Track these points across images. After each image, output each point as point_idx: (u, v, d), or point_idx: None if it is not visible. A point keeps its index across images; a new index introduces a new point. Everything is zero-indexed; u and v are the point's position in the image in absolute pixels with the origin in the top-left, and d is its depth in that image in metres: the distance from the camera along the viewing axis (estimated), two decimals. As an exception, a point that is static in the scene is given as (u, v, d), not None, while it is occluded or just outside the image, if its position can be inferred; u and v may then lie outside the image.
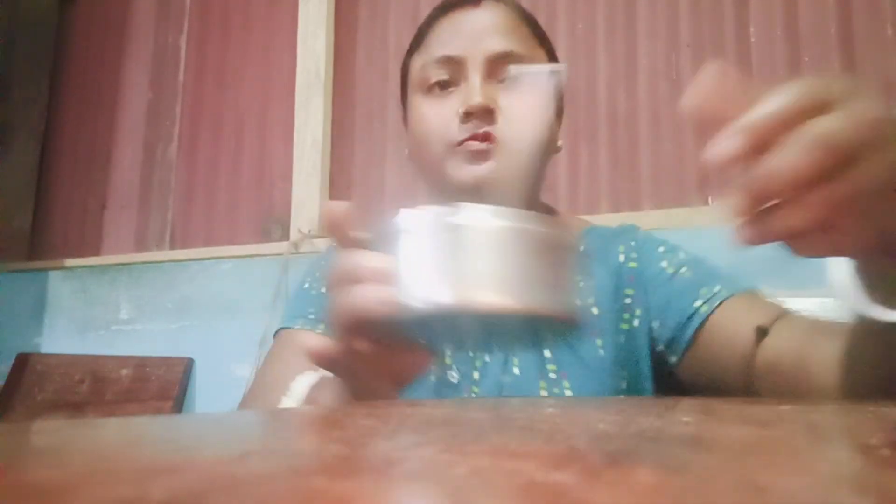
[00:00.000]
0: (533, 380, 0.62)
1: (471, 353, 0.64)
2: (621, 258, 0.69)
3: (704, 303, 0.60)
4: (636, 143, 1.42)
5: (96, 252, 2.03)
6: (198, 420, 0.26)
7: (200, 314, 1.75)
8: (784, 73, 1.31)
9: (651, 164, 1.40)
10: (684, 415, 0.26)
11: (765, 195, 0.32)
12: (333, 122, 1.73)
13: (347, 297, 0.37)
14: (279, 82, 1.82)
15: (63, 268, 1.99)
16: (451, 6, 0.68)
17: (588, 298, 0.65)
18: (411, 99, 0.69)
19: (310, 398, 0.50)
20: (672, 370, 0.63)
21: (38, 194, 2.14)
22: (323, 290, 0.68)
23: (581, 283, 0.38)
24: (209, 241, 1.86)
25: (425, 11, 0.73)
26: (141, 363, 1.73)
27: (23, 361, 1.88)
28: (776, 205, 0.32)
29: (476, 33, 0.65)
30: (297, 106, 1.74)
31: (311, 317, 0.67)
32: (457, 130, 0.63)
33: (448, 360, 0.64)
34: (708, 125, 0.33)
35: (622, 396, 0.62)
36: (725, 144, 0.32)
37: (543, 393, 0.62)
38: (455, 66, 0.65)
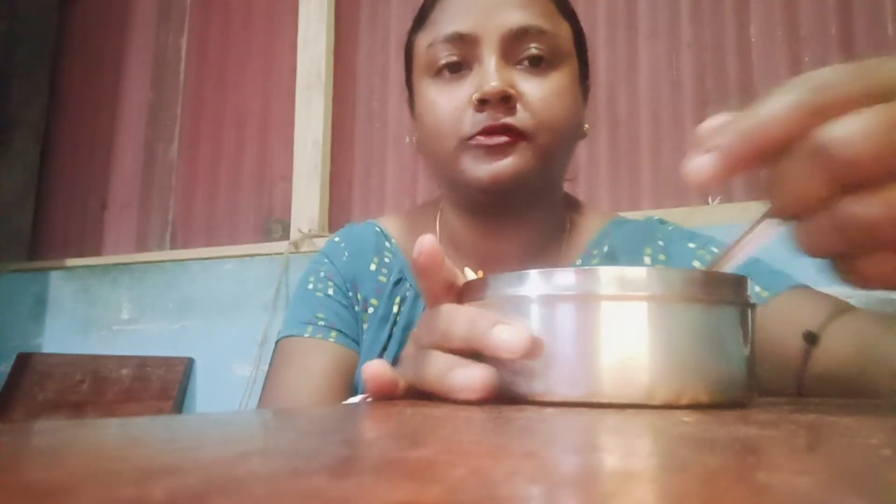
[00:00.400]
0: None
1: None
2: (647, 261, 0.62)
3: None
4: (636, 143, 1.42)
5: (97, 252, 2.03)
6: (198, 420, 0.26)
7: (201, 314, 1.75)
8: (784, 73, 1.31)
9: (651, 164, 1.40)
10: (684, 415, 0.26)
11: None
12: (333, 122, 1.73)
13: (447, 375, 0.31)
14: (279, 82, 1.82)
15: (63, 268, 1.99)
16: None
17: None
18: (417, 83, 0.61)
19: None
20: None
21: (38, 194, 2.14)
22: (330, 291, 0.65)
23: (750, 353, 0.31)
24: (210, 241, 1.86)
25: (426, 11, 0.71)
26: (141, 363, 1.73)
27: (23, 361, 1.89)
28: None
29: (490, 5, 0.56)
30: (297, 106, 1.74)
31: (322, 323, 0.62)
32: (471, 121, 0.55)
33: None
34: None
35: None
36: (702, 163, 0.26)
37: None
38: (467, 45, 0.56)
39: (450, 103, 0.56)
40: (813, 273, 0.54)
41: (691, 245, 0.62)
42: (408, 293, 0.64)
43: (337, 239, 0.70)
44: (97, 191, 2.08)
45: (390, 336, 0.63)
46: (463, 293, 0.35)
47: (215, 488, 0.11)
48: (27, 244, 2.11)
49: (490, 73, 0.54)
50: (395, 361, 0.56)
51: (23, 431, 0.20)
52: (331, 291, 0.65)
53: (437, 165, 0.60)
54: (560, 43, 0.57)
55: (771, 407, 0.31)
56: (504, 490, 0.12)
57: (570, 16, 0.61)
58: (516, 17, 0.56)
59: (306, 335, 0.62)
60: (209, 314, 1.74)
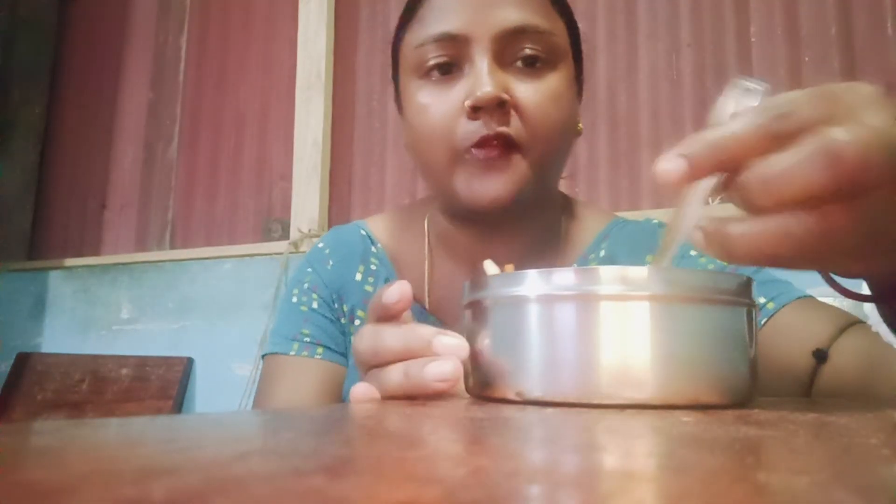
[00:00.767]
0: None
1: None
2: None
3: None
4: (636, 143, 1.42)
5: (96, 252, 2.03)
6: (198, 420, 0.26)
7: (200, 314, 1.75)
8: (784, 73, 1.31)
9: (651, 164, 1.39)
10: (684, 415, 0.26)
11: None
12: (333, 122, 1.73)
13: (403, 377, 0.34)
14: (279, 82, 1.82)
15: (63, 267, 1.99)
16: None
17: None
18: (405, 83, 0.58)
19: None
20: None
21: (38, 194, 2.14)
22: (315, 305, 0.64)
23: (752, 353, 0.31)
24: (209, 241, 1.86)
25: (425, 11, 0.70)
26: (141, 363, 1.73)
27: (23, 361, 1.89)
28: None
29: (481, 3, 0.53)
30: (297, 106, 1.74)
31: (307, 339, 0.62)
32: (463, 130, 0.52)
33: None
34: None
35: None
36: (671, 164, 0.28)
37: None
38: (457, 46, 0.53)
39: (440, 109, 0.53)
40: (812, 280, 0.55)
41: (693, 252, 0.60)
42: None
43: (321, 245, 0.68)
44: (97, 191, 2.08)
45: None
46: (469, 291, 0.36)
47: (215, 488, 0.11)
48: (27, 244, 2.11)
49: (483, 77, 0.51)
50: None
51: (22, 431, 0.20)
52: (315, 305, 0.64)
53: (429, 173, 0.58)
54: (555, 41, 0.55)
55: (771, 407, 0.31)
56: (504, 490, 0.12)
57: (565, 11, 0.59)
58: (510, 16, 0.53)
59: (292, 353, 0.61)
60: (209, 314, 1.74)
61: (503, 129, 0.51)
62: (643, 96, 1.43)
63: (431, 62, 0.54)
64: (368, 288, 0.64)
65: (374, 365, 0.36)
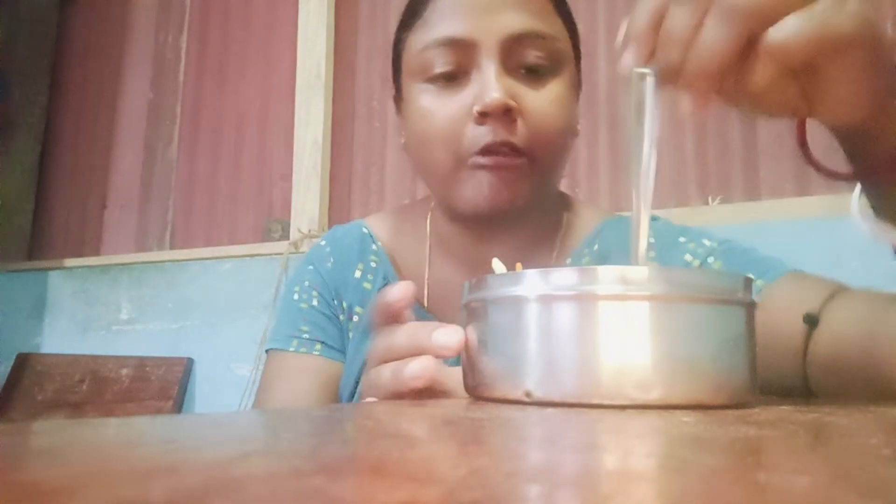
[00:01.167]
0: None
1: None
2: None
3: None
4: (636, 143, 1.42)
5: (96, 252, 2.03)
6: (198, 420, 0.26)
7: (200, 314, 1.75)
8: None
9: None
10: (684, 415, 0.26)
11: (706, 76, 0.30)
12: (333, 122, 1.73)
13: (396, 374, 0.35)
14: (279, 82, 1.82)
15: (63, 268, 1.99)
16: None
17: None
18: (408, 85, 0.57)
19: None
20: None
21: (38, 194, 2.14)
22: (314, 302, 0.64)
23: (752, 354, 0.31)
24: (209, 241, 1.86)
25: (425, 11, 0.70)
26: (141, 363, 1.73)
27: (23, 361, 1.89)
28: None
29: (488, 7, 0.52)
30: (297, 106, 1.74)
31: (306, 336, 0.63)
32: (470, 136, 0.52)
33: None
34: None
35: None
36: (627, 58, 0.32)
37: None
38: (463, 51, 0.53)
39: (446, 114, 0.53)
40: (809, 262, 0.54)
41: (682, 239, 0.60)
42: None
43: (323, 243, 0.68)
44: (97, 191, 2.08)
45: None
46: (469, 291, 0.36)
47: (215, 488, 0.11)
48: (27, 244, 2.11)
49: (491, 84, 0.51)
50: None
51: (22, 431, 0.20)
52: (315, 302, 0.64)
53: (430, 176, 0.58)
54: (559, 47, 0.56)
55: (771, 407, 0.31)
56: (504, 490, 0.12)
57: (566, 13, 0.59)
58: (516, 21, 0.52)
59: (291, 349, 0.62)
60: (209, 314, 1.74)
61: (509, 137, 0.51)
62: (643, 96, 1.42)
63: (438, 69, 0.54)
64: (367, 285, 0.65)
65: (384, 361, 0.37)
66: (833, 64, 0.29)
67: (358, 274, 0.65)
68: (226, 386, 1.63)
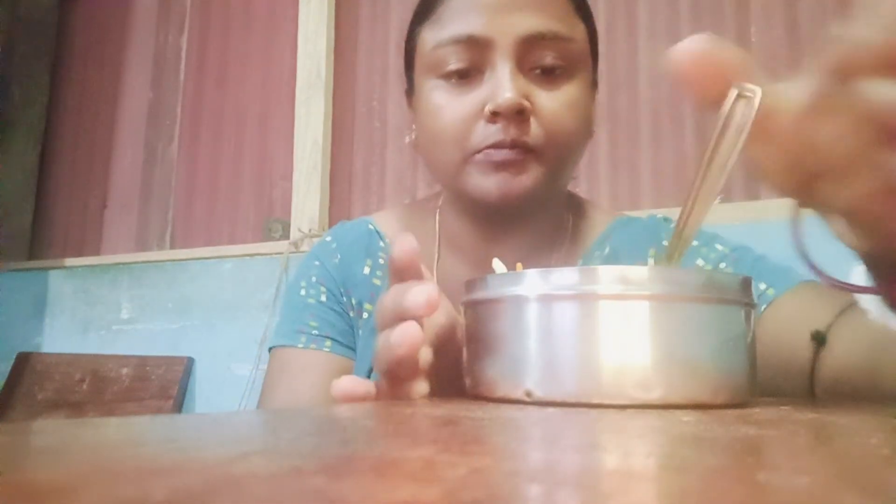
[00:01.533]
0: None
1: None
2: (651, 262, 0.59)
3: None
4: (636, 143, 1.42)
5: (97, 251, 2.03)
6: (198, 420, 0.26)
7: (201, 314, 1.75)
8: (784, 73, 1.31)
9: (651, 164, 1.40)
10: (684, 415, 0.26)
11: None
12: (333, 122, 1.73)
13: (382, 345, 0.34)
14: (279, 82, 1.82)
15: (63, 267, 1.99)
16: None
17: None
18: (420, 81, 0.57)
19: None
20: None
21: (38, 194, 2.14)
22: (323, 297, 0.63)
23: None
24: (210, 241, 1.86)
25: (426, 11, 0.69)
26: (141, 362, 1.73)
27: (23, 361, 1.89)
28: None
29: (505, 6, 0.52)
30: (297, 106, 1.74)
31: (315, 332, 0.61)
32: (481, 134, 0.52)
33: None
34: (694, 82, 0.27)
35: None
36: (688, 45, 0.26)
37: None
38: (478, 49, 0.52)
39: (458, 111, 0.53)
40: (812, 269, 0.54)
41: (695, 242, 0.60)
42: None
43: (329, 239, 0.68)
44: (97, 190, 2.08)
45: None
46: (468, 290, 0.35)
47: (215, 488, 0.11)
48: (27, 243, 2.11)
49: (504, 83, 0.50)
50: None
51: (22, 431, 0.20)
52: (323, 298, 0.63)
53: (440, 172, 0.57)
54: (575, 48, 0.55)
55: (771, 407, 0.31)
56: (504, 490, 0.12)
57: (587, 16, 0.58)
58: (532, 21, 0.52)
59: (300, 346, 0.60)
60: (209, 314, 1.74)
61: (521, 136, 0.51)
62: (643, 96, 1.42)
63: (451, 66, 0.53)
64: (376, 282, 0.64)
65: (380, 327, 0.36)
66: None
67: (367, 270, 0.64)
68: (226, 385, 1.63)
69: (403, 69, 0.62)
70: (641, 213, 0.70)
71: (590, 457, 0.17)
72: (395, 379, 0.35)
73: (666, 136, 1.39)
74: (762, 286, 0.52)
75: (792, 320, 0.49)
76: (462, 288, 0.37)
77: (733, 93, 0.28)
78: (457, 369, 0.37)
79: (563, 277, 0.30)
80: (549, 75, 0.53)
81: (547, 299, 0.30)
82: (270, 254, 1.67)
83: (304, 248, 1.63)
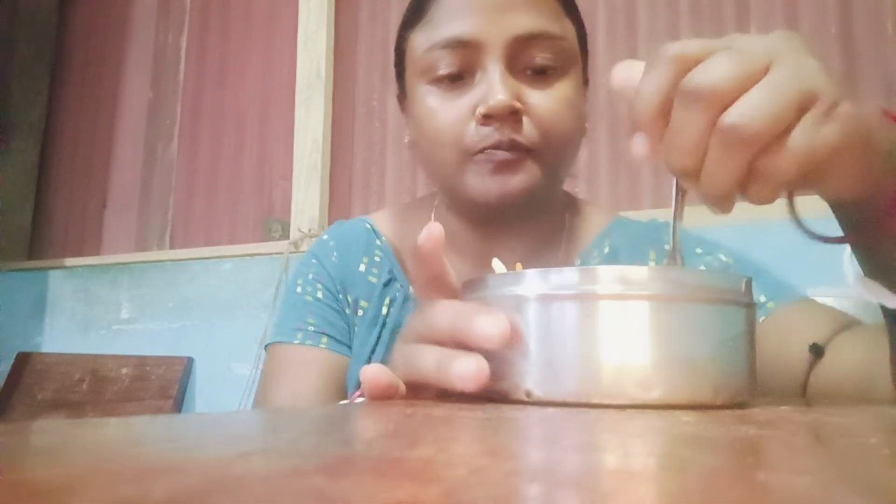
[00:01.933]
0: None
1: None
2: (651, 265, 0.59)
3: None
4: (636, 142, 1.42)
5: (96, 251, 2.03)
6: (198, 420, 0.26)
7: (201, 313, 1.75)
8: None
9: (651, 164, 1.39)
10: (684, 415, 0.26)
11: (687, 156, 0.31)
12: (333, 121, 1.73)
13: (444, 365, 0.31)
14: (279, 82, 1.82)
15: (63, 267, 1.99)
16: None
17: None
18: (412, 85, 0.57)
19: None
20: None
21: (38, 194, 2.14)
22: (319, 295, 0.63)
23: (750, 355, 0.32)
24: (209, 241, 1.86)
25: (425, 11, 0.70)
26: (141, 362, 1.73)
27: (23, 360, 1.89)
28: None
29: (494, 7, 0.52)
30: (297, 105, 1.74)
31: (312, 329, 0.61)
32: (474, 135, 0.52)
33: None
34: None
35: None
36: (638, 146, 0.33)
37: None
38: (469, 51, 0.52)
39: (451, 114, 0.53)
40: (813, 277, 0.54)
41: (698, 250, 0.60)
42: (397, 294, 0.63)
43: (326, 237, 0.68)
44: (97, 190, 2.08)
45: (378, 338, 0.62)
46: (467, 290, 0.35)
47: (215, 488, 0.11)
48: (27, 243, 2.11)
49: (496, 86, 0.50)
50: (382, 364, 0.56)
51: (23, 431, 0.20)
52: (320, 295, 0.63)
53: (437, 174, 0.57)
54: (566, 47, 0.55)
55: (771, 407, 0.31)
56: (504, 490, 0.12)
57: (574, 14, 0.58)
58: (522, 21, 0.52)
59: (296, 342, 0.61)
60: (209, 314, 1.74)
61: (515, 136, 0.51)
62: (643, 96, 1.42)
63: (443, 70, 0.53)
64: (372, 279, 0.64)
65: (424, 340, 0.34)
66: (829, 166, 0.31)
67: (363, 268, 0.65)
68: (226, 385, 1.63)
69: (395, 74, 0.63)
70: (641, 214, 0.70)
71: (590, 457, 0.17)
72: (416, 391, 0.34)
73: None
74: (762, 298, 0.53)
75: (790, 332, 0.50)
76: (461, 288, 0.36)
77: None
78: None
79: (564, 277, 0.30)
80: (541, 75, 0.54)
81: (547, 299, 0.30)
82: (270, 254, 1.67)
83: (304, 248, 1.63)
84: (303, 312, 0.63)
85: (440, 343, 0.33)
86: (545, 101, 0.53)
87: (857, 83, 1.24)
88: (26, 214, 2.11)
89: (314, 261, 0.66)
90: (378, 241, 0.66)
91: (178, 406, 1.64)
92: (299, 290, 0.65)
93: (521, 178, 0.52)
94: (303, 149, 1.71)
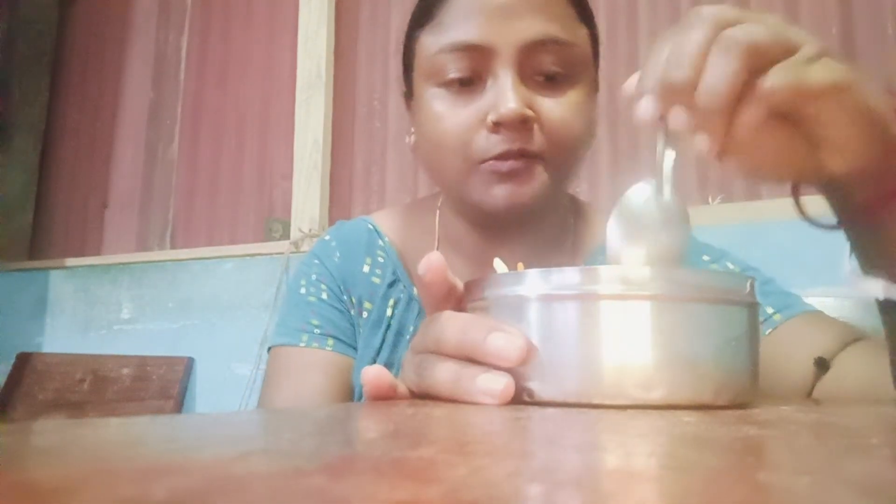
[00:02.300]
0: None
1: None
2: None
3: None
4: (636, 142, 1.42)
5: (97, 251, 2.03)
6: (198, 420, 0.26)
7: (201, 314, 1.75)
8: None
9: (651, 164, 1.39)
10: (684, 415, 0.26)
11: (715, 114, 0.32)
12: (333, 121, 1.73)
13: (466, 380, 0.31)
14: (280, 82, 1.82)
15: (64, 267, 1.99)
16: None
17: None
18: (420, 87, 0.56)
19: None
20: None
21: (38, 194, 2.14)
22: (324, 296, 0.62)
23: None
24: (210, 241, 1.86)
25: (426, 11, 0.69)
26: (142, 362, 1.73)
27: (24, 361, 1.89)
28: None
29: (505, 11, 0.50)
30: (297, 105, 1.74)
31: (318, 331, 0.60)
32: (484, 143, 0.51)
33: None
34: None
35: None
36: (644, 108, 0.34)
37: None
38: (479, 56, 0.51)
39: (459, 120, 0.52)
40: (815, 278, 0.54)
41: (705, 258, 0.60)
42: (401, 295, 0.63)
43: (328, 238, 0.67)
44: (97, 190, 2.08)
45: (383, 340, 0.61)
46: (469, 291, 0.35)
47: (215, 488, 0.11)
48: (27, 244, 2.11)
49: (507, 93, 0.49)
50: (387, 366, 0.56)
51: (23, 431, 0.20)
52: (324, 296, 0.63)
53: (442, 179, 0.57)
54: (578, 53, 0.54)
55: (771, 407, 0.31)
56: (504, 490, 0.12)
57: (588, 19, 0.57)
58: (534, 27, 0.50)
59: (301, 344, 0.60)
60: (209, 314, 1.74)
61: (525, 145, 0.50)
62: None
63: (452, 75, 0.52)
64: (376, 280, 0.64)
65: (433, 352, 0.34)
66: (820, 112, 0.33)
67: (366, 269, 0.64)
68: (226, 385, 1.63)
69: (401, 73, 0.62)
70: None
71: (591, 457, 0.17)
72: (423, 397, 0.34)
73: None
74: (769, 310, 0.53)
75: (796, 345, 0.50)
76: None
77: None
78: None
79: (565, 277, 0.30)
80: (552, 82, 0.53)
81: (548, 299, 0.30)
82: (271, 254, 1.67)
83: (305, 248, 1.63)
84: (306, 314, 0.62)
85: (450, 356, 0.33)
86: (556, 109, 0.52)
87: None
88: (27, 214, 2.11)
89: (317, 261, 0.65)
90: (381, 242, 0.66)
91: (178, 406, 1.65)
92: (303, 290, 0.64)
93: (531, 187, 0.51)
94: (303, 149, 1.71)
